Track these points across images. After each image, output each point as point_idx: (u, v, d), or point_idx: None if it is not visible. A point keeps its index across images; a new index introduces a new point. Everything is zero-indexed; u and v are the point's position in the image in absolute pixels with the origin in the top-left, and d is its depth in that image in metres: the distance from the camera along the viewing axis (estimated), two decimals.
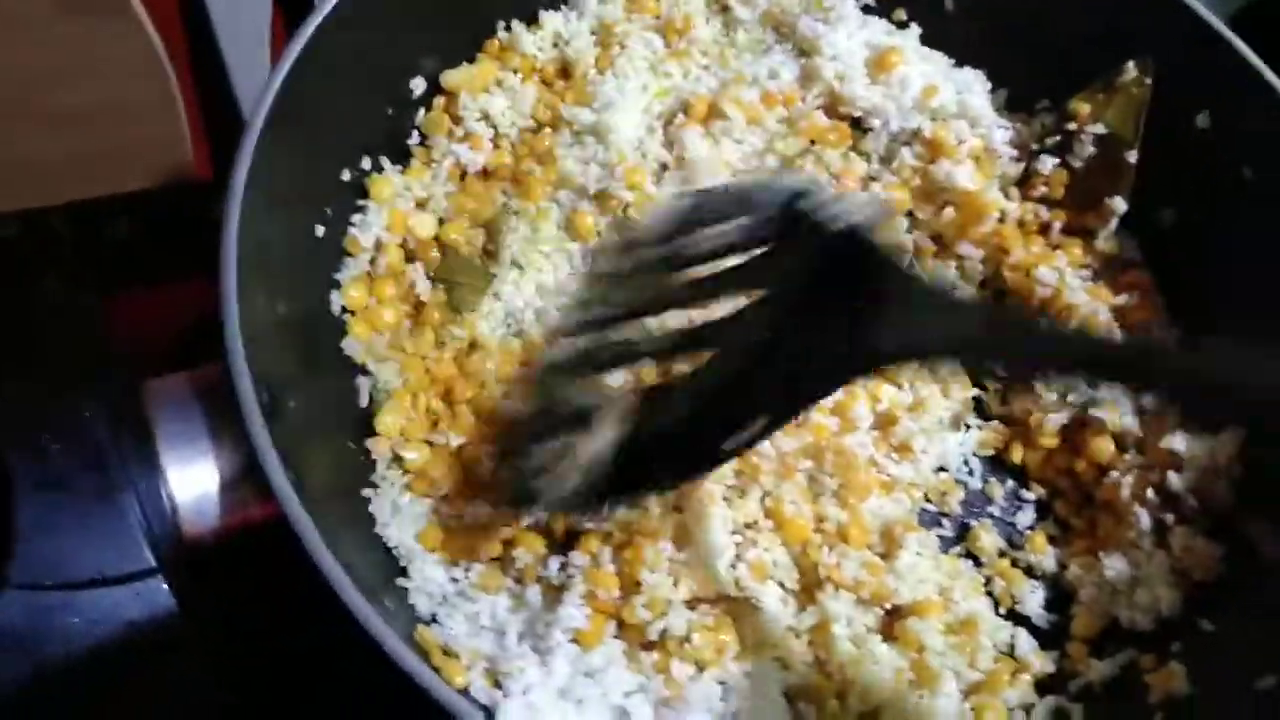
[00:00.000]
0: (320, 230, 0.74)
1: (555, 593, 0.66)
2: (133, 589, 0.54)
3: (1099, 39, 0.80)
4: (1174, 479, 0.74)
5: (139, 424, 0.59)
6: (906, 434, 0.75)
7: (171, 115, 0.93)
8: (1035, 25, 0.82)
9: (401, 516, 0.68)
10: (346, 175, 0.77)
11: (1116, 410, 0.76)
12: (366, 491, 0.69)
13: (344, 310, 0.74)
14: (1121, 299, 0.79)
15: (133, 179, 0.96)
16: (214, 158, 0.95)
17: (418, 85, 0.81)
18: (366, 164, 0.78)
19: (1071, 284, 0.77)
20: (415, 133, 0.82)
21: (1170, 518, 0.73)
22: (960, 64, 0.87)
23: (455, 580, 0.67)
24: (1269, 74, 0.76)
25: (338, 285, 0.74)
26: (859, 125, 0.83)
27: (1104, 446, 0.76)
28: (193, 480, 0.60)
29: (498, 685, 0.62)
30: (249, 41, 0.98)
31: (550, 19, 0.86)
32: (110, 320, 0.92)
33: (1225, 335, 0.77)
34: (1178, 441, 0.74)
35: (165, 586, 0.55)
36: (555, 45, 0.86)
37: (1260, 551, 0.71)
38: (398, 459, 0.70)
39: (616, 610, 0.65)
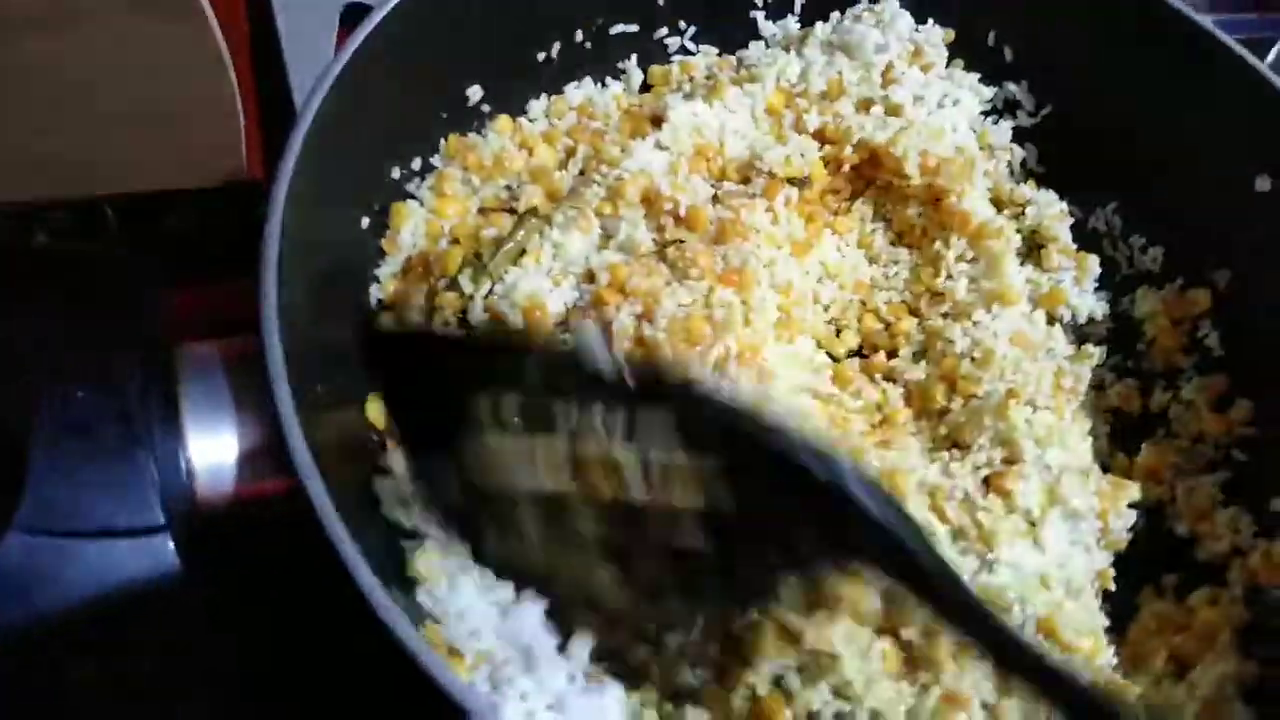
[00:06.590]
0: (365, 222, 0.74)
1: None
2: (138, 544, 0.53)
3: None
4: None
5: (167, 384, 0.59)
6: None
7: (231, 121, 0.94)
8: None
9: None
10: (396, 173, 0.77)
11: None
12: None
13: (379, 304, 0.74)
14: None
15: (184, 178, 0.97)
16: (266, 160, 0.95)
17: (474, 93, 0.82)
18: (416, 164, 0.79)
19: None
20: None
21: None
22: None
23: None
24: None
25: (377, 279, 0.74)
26: None
27: None
28: (212, 445, 0.59)
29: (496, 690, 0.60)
30: (312, 43, 0.99)
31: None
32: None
33: None
34: None
35: (171, 545, 0.54)
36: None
37: None
38: None
39: None
